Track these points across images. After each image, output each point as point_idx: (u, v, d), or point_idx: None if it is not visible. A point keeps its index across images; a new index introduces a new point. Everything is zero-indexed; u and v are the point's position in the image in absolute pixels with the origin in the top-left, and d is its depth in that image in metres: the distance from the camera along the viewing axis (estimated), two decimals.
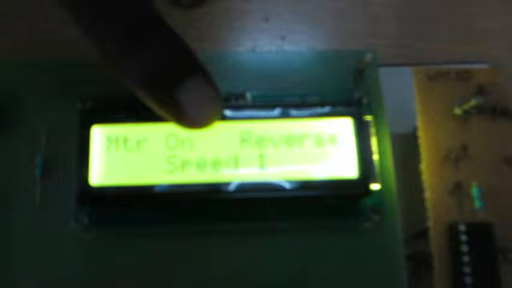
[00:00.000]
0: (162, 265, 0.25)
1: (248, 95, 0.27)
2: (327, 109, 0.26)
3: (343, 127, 0.26)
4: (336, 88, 0.28)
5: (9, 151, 0.26)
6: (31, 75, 0.27)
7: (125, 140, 0.25)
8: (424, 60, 0.35)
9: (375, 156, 0.27)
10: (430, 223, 0.29)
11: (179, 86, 0.22)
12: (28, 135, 0.26)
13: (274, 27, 0.37)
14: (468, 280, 0.27)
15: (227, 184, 0.25)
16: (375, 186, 0.27)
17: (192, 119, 0.22)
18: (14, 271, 0.25)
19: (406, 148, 0.31)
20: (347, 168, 0.26)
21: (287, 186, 0.25)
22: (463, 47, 0.36)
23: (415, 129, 0.32)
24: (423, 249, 0.31)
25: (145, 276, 0.25)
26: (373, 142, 0.27)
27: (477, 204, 0.29)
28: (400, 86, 0.32)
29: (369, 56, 0.28)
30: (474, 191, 0.29)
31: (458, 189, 0.30)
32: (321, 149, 0.26)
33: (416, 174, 0.31)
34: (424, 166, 0.29)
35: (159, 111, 0.23)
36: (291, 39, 0.36)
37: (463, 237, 0.28)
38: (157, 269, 0.25)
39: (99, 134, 0.25)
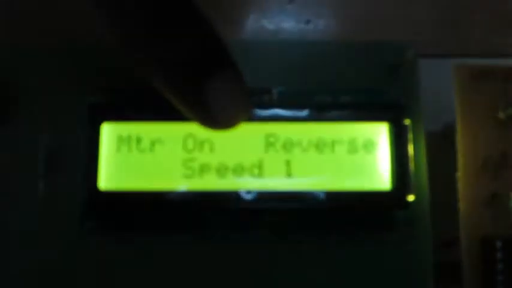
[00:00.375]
0: (171, 275, 0.23)
1: (274, 91, 0.25)
2: (362, 112, 0.24)
3: (379, 132, 0.24)
4: (371, 86, 0.26)
5: (8, 148, 0.24)
6: (33, 63, 0.24)
7: (138, 140, 0.23)
8: (463, 52, 0.33)
9: (411, 165, 0.25)
10: (462, 236, 0.27)
11: (207, 81, 0.19)
12: (29, 131, 0.24)
13: (299, 9, 0.34)
14: None
15: (249, 192, 0.23)
16: (409, 198, 0.24)
17: (217, 118, 0.20)
18: (13, 276, 0.23)
19: (436, 148, 0.29)
20: (382, 178, 0.24)
21: (315, 196, 0.23)
22: (508, 38, 0.33)
23: (447, 127, 0.29)
24: (448, 259, 0.29)
25: (153, 285, 0.23)
26: (410, 149, 0.25)
27: None
28: (434, 79, 0.30)
29: (408, 52, 0.26)
30: None
31: (495, 200, 0.28)
32: (354, 156, 0.24)
33: (448, 179, 0.29)
34: (460, 174, 0.27)
35: (181, 108, 0.21)
36: (317, 24, 0.33)
37: (499, 255, 0.26)
38: (167, 278, 0.23)
39: (109, 133, 0.23)
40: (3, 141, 0.24)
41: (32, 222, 0.23)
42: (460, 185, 0.28)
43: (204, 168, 0.23)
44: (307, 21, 0.34)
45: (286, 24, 0.34)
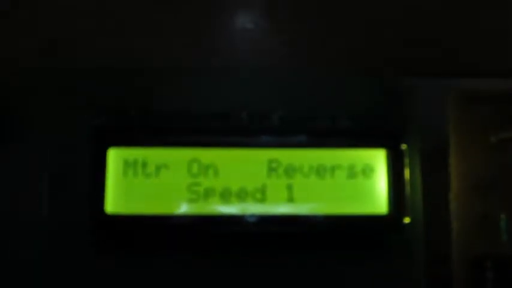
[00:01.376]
0: None
1: (275, 117, 0.25)
2: (360, 138, 0.25)
3: (377, 158, 0.25)
4: (370, 112, 0.26)
5: (14, 170, 0.24)
6: (40, 87, 0.25)
7: (144, 165, 0.23)
8: (456, 72, 0.33)
9: (407, 189, 0.25)
10: (454, 255, 0.28)
11: None
12: (35, 153, 0.24)
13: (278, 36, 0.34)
14: None
15: (252, 216, 0.24)
16: (405, 221, 0.25)
17: None
18: None
19: (430, 170, 0.30)
20: (379, 202, 0.25)
21: (316, 220, 0.24)
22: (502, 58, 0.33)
23: (441, 148, 0.30)
24: (440, 277, 0.30)
25: None
26: (406, 173, 0.25)
27: (504, 237, 0.28)
28: (429, 100, 0.31)
29: (406, 81, 0.27)
30: (502, 223, 0.28)
31: (486, 220, 0.29)
32: (353, 181, 0.24)
33: (442, 199, 0.30)
34: (452, 195, 0.28)
35: None
36: (299, 51, 0.33)
37: (489, 274, 0.27)
38: None
39: (115, 157, 0.23)
40: (10, 164, 0.24)
41: (38, 245, 0.24)
42: (453, 205, 0.29)
43: (208, 193, 0.24)
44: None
45: (266, 50, 0.34)
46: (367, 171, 0.27)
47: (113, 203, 0.25)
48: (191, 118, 0.26)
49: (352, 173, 0.27)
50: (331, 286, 0.26)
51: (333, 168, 0.27)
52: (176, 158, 0.26)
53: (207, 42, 0.30)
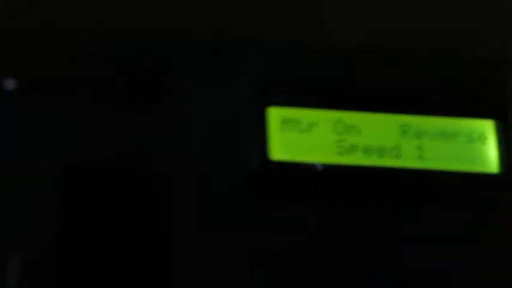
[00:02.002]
0: (325, 237, 0.27)
1: (406, 89, 0.29)
2: (475, 110, 0.29)
3: (489, 127, 0.29)
4: (482, 90, 0.31)
5: (173, 128, 0.27)
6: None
7: (298, 122, 0.27)
8: None
9: None
10: None
11: None
12: (196, 110, 0.28)
13: None
14: None
15: (389, 169, 0.27)
16: None
17: None
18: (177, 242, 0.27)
19: None
20: (492, 164, 0.28)
21: (442, 175, 0.28)
22: None
23: None
24: None
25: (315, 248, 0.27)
26: None
27: None
28: None
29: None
30: None
31: None
32: (470, 145, 0.28)
33: None
34: None
35: None
36: None
37: None
38: (323, 241, 0.27)
39: (274, 114, 0.27)
40: (170, 122, 0.27)
41: (208, 190, 0.27)
42: None
43: (353, 148, 0.27)
44: None
45: None
46: (482, 138, 0.31)
47: (276, 152, 0.29)
48: (335, 85, 0.30)
49: (470, 139, 0.31)
50: (444, 236, 0.30)
51: (454, 134, 0.31)
52: (324, 118, 0.30)
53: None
